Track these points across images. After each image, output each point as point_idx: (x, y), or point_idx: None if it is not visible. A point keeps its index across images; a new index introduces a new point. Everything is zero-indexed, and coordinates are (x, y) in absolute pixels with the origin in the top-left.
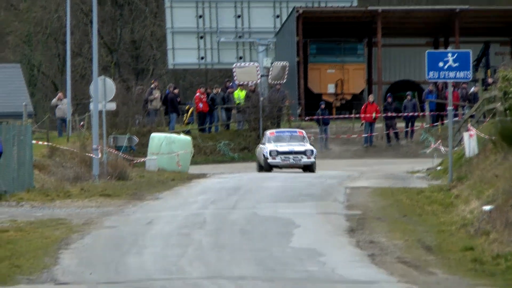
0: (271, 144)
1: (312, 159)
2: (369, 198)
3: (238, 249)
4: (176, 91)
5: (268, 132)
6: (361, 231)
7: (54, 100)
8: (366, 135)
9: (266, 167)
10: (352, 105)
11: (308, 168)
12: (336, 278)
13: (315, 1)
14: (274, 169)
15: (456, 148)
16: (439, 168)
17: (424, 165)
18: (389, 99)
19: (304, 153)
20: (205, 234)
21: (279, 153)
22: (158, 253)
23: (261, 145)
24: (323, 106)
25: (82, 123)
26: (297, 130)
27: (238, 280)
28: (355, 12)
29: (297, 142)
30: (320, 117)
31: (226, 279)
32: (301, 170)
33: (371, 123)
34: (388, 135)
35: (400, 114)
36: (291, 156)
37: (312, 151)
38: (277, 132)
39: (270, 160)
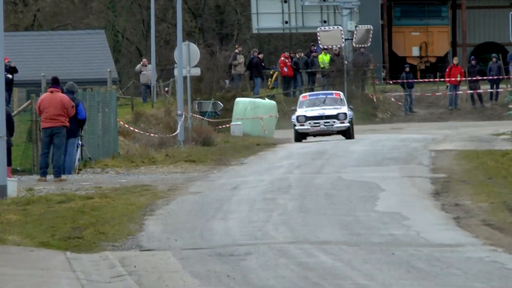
0: (303, 109)
1: (346, 124)
2: (454, 161)
3: (322, 213)
4: (260, 55)
5: (301, 96)
6: (446, 194)
7: (138, 66)
8: (451, 97)
9: (295, 136)
10: (436, 67)
11: (343, 134)
12: (421, 242)
13: None
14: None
15: None
16: None
17: (509, 127)
18: (473, 62)
19: (336, 117)
20: (290, 198)
21: (307, 118)
22: (243, 218)
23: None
24: (407, 69)
25: (166, 89)
26: (334, 92)
27: (323, 245)
28: None
29: (331, 106)
30: (405, 80)
31: (311, 243)
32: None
33: (455, 86)
34: (472, 97)
35: (485, 78)
36: (321, 121)
37: (345, 114)
38: (310, 95)
39: (298, 127)
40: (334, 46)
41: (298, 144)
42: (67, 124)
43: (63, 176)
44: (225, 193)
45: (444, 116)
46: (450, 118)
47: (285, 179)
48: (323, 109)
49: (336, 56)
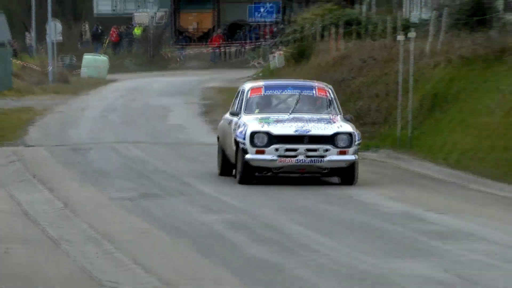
0: (253, 116)
1: (351, 156)
2: (215, 93)
3: (136, 125)
4: (100, 28)
5: (246, 87)
6: (210, 113)
7: (26, 34)
8: (212, 55)
9: (242, 173)
10: (207, 36)
11: (340, 174)
12: (194, 141)
13: None
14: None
15: (269, 62)
16: (260, 74)
17: (249, 73)
18: (222, 34)
19: (332, 140)
20: (117, 116)
21: (273, 139)
22: (88, 128)
23: (229, 117)
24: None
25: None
26: (315, 84)
27: (136, 144)
28: None
29: (316, 114)
30: (183, 44)
31: (129, 143)
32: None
33: (215, 48)
34: (225, 54)
35: (235, 42)
36: (300, 147)
37: (349, 136)
38: (267, 87)
39: (251, 157)
40: (144, 23)
41: (121, 83)
42: None
43: None
44: (77, 112)
45: (209, 67)
46: (212, 67)
47: (113, 104)
48: (306, 120)
49: (145, 28)
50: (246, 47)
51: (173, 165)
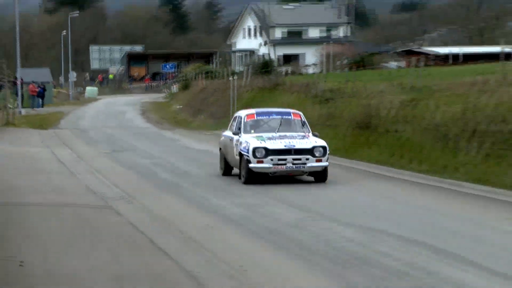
0: (249, 135)
1: (325, 163)
2: (147, 105)
3: (111, 119)
4: (92, 75)
5: (244, 114)
6: (146, 114)
7: None
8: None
9: (247, 177)
10: None
11: (315, 175)
12: (139, 127)
13: None
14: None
15: (171, 90)
16: (168, 96)
17: (162, 95)
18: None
19: (311, 152)
20: (102, 114)
21: (269, 152)
22: (89, 121)
23: (229, 134)
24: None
25: None
26: (291, 111)
27: (109, 128)
28: None
29: (294, 132)
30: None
31: (108, 127)
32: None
33: (146, 84)
34: (150, 87)
35: (155, 81)
36: (289, 157)
37: (324, 149)
38: (259, 113)
39: (254, 165)
40: (114, 72)
41: (104, 100)
42: None
43: None
44: (83, 113)
45: (143, 92)
46: (145, 93)
47: (100, 109)
48: (289, 137)
49: (114, 75)
50: (161, 83)
51: (129, 138)
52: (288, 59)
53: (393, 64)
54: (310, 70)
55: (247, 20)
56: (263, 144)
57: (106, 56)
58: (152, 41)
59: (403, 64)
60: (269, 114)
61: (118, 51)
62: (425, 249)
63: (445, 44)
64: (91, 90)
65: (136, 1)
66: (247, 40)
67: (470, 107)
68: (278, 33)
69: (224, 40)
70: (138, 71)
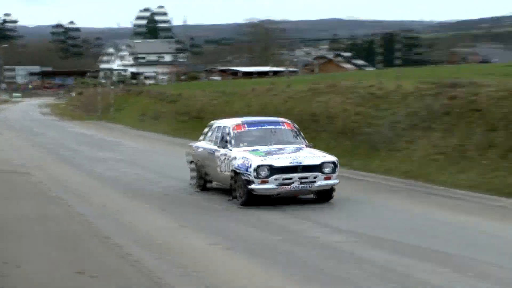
0: (243, 148)
1: (334, 180)
2: (43, 105)
3: (27, 114)
4: None
5: (228, 125)
6: (46, 112)
7: None
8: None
9: (246, 199)
10: None
11: (322, 194)
12: (55, 124)
13: None
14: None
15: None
16: (65, 98)
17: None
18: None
19: (320, 168)
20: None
21: (273, 171)
22: (17, 112)
23: (209, 147)
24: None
25: None
26: (282, 120)
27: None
28: None
29: (289, 144)
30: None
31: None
32: None
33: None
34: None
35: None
36: (296, 176)
37: (334, 164)
38: (249, 124)
39: (256, 186)
40: None
41: (28, 100)
42: None
43: None
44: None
45: (50, 96)
46: (52, 96)
47: (23, 109)
48: (293, 151)
49: None
50: (62, 92)
51: (39, 127)
52: (148, 75)
53: (215, 77)
54: (165, 82)
55: (110, 48)
56: (267, 162)
57: (22, 73)
58: (50, 63)
59: (219, 78)
60: (258, 124)
61: (28, 70)
62: None
63: (238, 65)
64: (17, 95)
65: (41, 34)
66: (111, 62)
67: (267, 103)
68: (143, 58)
69: (95, 62)
70: (49, 82)
